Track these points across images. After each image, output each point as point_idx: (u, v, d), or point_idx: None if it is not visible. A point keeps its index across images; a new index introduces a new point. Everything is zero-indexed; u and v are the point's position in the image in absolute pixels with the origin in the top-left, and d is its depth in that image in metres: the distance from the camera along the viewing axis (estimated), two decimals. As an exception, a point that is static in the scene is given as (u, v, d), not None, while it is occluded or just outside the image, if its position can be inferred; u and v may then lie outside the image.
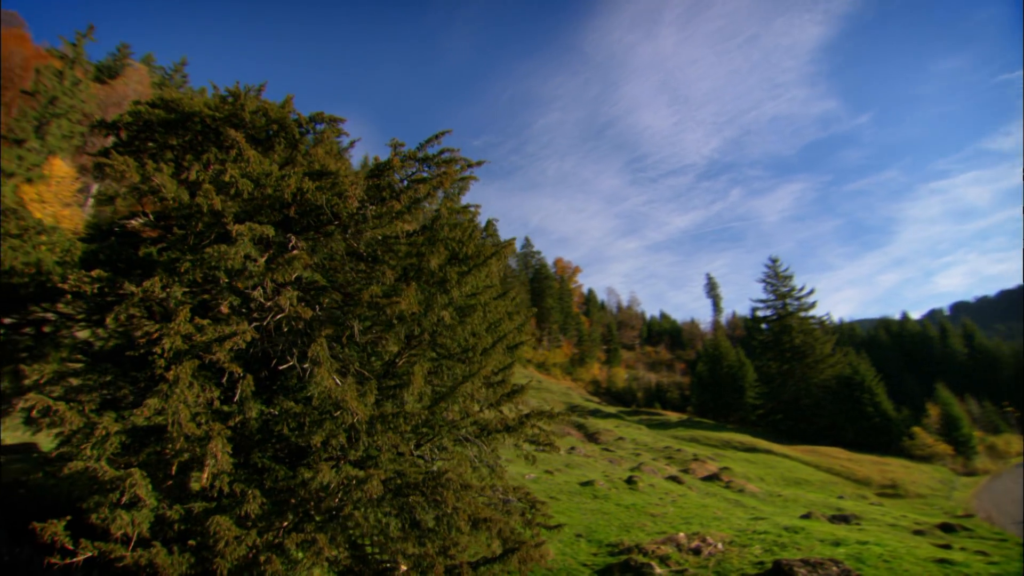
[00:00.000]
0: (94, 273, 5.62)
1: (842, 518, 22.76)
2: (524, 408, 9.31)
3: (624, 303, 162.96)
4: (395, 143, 9.34)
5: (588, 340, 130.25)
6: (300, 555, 4.76)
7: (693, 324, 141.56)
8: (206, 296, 6.30)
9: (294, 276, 6.28)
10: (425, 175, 8.15)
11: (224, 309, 6.38)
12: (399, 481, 5.44)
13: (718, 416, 66.71)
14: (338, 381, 5.86)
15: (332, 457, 6.07)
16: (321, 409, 5.85)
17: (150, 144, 10.50)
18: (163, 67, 46.98)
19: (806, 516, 23.30)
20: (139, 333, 5.44)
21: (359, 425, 5.82)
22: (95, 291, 5.67)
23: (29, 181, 22.90)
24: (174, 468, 4.89)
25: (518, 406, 9.06)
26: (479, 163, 10.84)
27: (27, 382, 5.90)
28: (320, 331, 6.16)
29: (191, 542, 4.85)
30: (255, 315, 6.43)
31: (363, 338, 7.11)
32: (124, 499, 4.84)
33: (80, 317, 8.88)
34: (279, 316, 6.51)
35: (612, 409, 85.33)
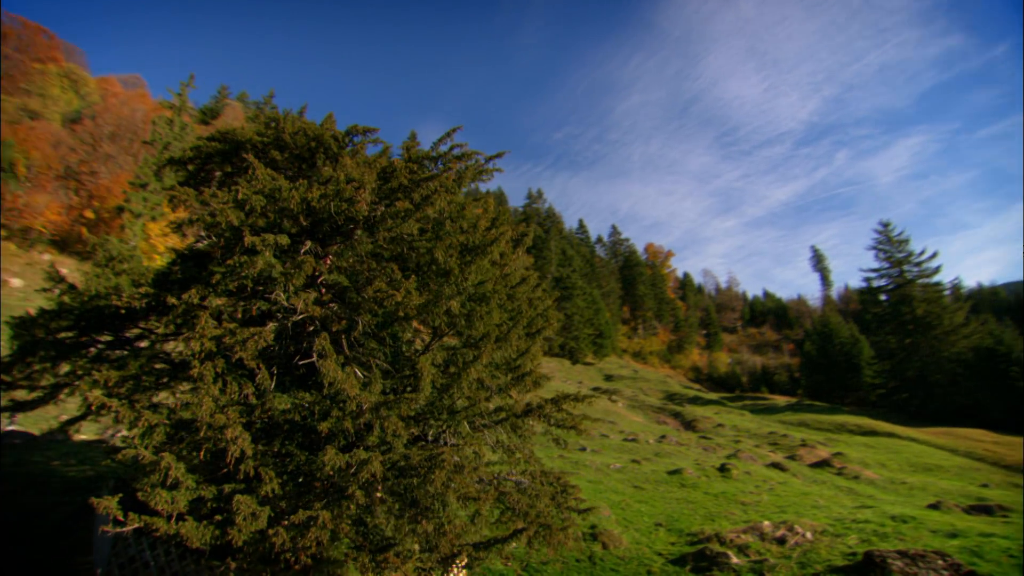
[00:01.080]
0: (141, 290, 6.62)
1: (983, 509, 19.85)
2: (548, 393, 9.32)
3: (722, 284, 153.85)
4: (407, 145, 9.77)
5: (685, 325, 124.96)
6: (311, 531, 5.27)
7: (800, 301, 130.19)
8: (243, 303, 7.11)
9: (304, 279, 6.88)
10: (436, 172, 8.46)
11: (255, 312, 7.15)
12: (403, 464, 5.79)
13: (831, 398, 60.89)
14: (354, 372, 6.34)
15: (348, 443, 6.58)
16: (334, 398, 6.38)
17: (216, 173, 11.85)
18: (256, 101, 52.26)
19: (934, 506, 20.70)
20: (181, 338, 6.32)
21: (369, 413, 6.26)
22: (143, 305, 6.66)
23: (153, 219, 26.82)
24: (202, 453, 5.63)
25: (536, 390, 9.08)
26: (498, 155, 11.01)
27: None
28: (330, 327, 6.70)
29: (218, 517, 5.56)
30: (280, 316, 7.14)
31: (382, 332, 7.60)
32: (169, 480, 5.67)
33: (170, 331, 10.34)
34: (298, 317, 7.18)
35: (713, 396, 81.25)
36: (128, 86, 72.16)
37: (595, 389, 70.97)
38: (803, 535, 14.99)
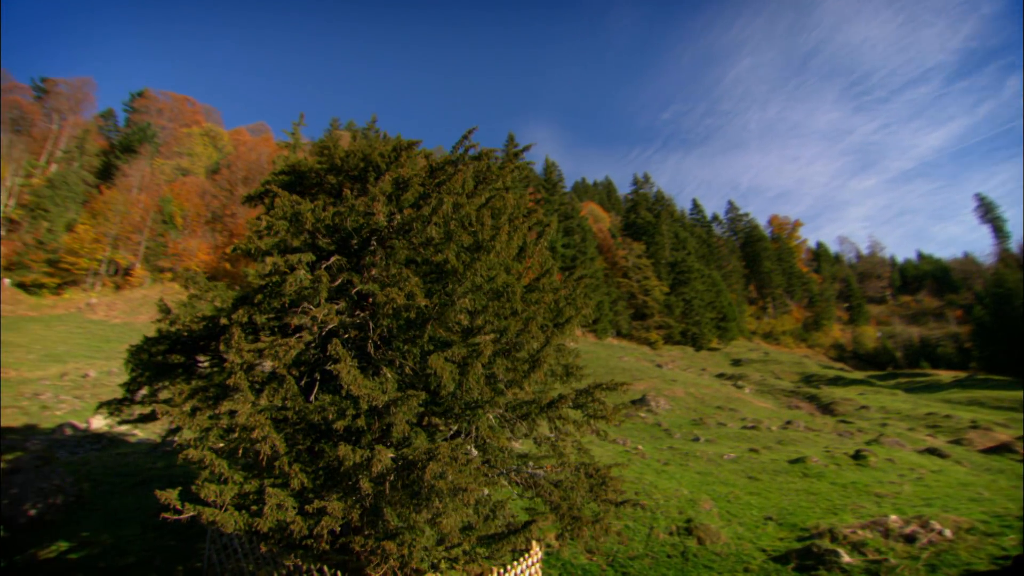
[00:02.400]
0: (199, 314, 7.75)
1: None
2: (580, 384, 9.06)
3: (863, 251, 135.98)
4: (426, 152, 10.14)
5: (821, 300, 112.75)
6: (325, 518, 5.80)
7: (966, 260, 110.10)
8: (282, 318, 7.99)
9: (327, 292, 7.52)
10: (444, 178, 8.71)
11: (292, 325, 7.98)
12: (411, 457, 6.11)
13: (1013, 371, 50.60)
14: (369, 374, 6.83)
15: (372, 440, 7.07)
16: (356, 400, 6.91)
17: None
18: (361, 127, 57.14)
19: None
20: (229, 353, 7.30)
21: (384, 411, 6.68)
22: (201, 328, 7.79)
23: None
24: (240, 452, 6.45)
25: (571, 382, 8.86)
26: (527, 147, 11.03)
27: (165, 395, 8.36)
28: (350, 333, 7.26)
29: (254, 507, 6.32)
30: (311, 327, 7.88)
31: (403, 335, 8.03)
32: (223, 476, 6.59)
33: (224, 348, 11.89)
34: (327, 327, 7.87)
35: (859, 375, 72.23)
36: (255, 133, 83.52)
37: (719, 376, 66.83)
38: (939, 532, 12.84)
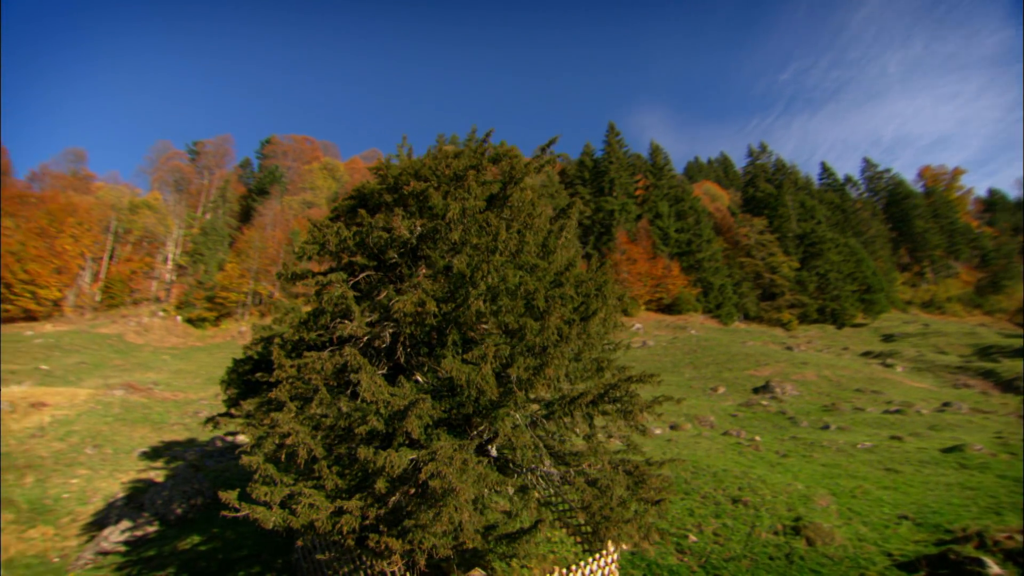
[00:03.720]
0: (257, 335, 8.78)
1: None
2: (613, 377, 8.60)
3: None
4: (447, 162, 10.36)
5: (999, 256, 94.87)
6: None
7: None
8: (326, 333, 8.74)
9: (355, 306, 8.07)
10: (457, 183, 8.88)
11: (335, 339, 8.68)
12: (416, 458, 6.34)
13: None
14: (384, 378, 7.23)
15: (406, 443, 7.42)
16: (376, 404, 7.33)
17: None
18: (464, 139, 60.45)
19: None
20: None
21: (402, 415, 7.01)
22: (261, 350, 8.82)
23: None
24: (283, 456, 7.19)
25: (599, 377, 8.46)
26: (552, 141, 10.92)
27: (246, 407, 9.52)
28: (377, 343, 7.72)
29: (293, 505, 6.99)
30: (352, 339, 8.50)
31: (428, 340, 8.32)
32: (273, 479, 7.39)
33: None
34: (363, 338, 8.43)
35: (1058, 343, 59.07)
36: (368, 160, 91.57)
37: (863, 355, 59.18)
38: None
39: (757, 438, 25.90)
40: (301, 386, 7.93)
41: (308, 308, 9.23)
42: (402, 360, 8.30)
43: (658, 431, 27.33)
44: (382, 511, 6.46)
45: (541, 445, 7.73)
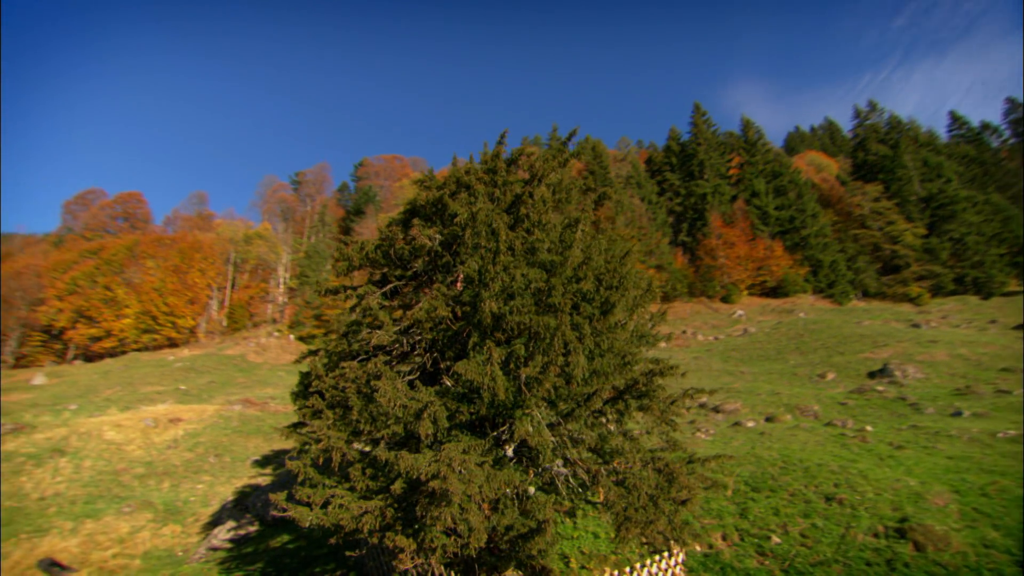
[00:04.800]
0: (304, 349, 9.45)
1: None
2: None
3: None
4: (468, 168, 10.51)
5: None
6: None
7: None
8: (355, 343, 9.30)
9: (383, 315, 8.51)
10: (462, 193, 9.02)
11: (370, 349, 9.18)
12: (432, 459, 6.53)
13: None
14: (402, 383, 7.53)
15: (432, 444, 7.66)
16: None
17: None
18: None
19: None
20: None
21: (417, 418, 7.27)
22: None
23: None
24: (321, 460, 7.72)
25: (626, 372, 8.07)
26: (572, 133, 10.76)
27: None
28: (409, 350, 8.08)
29: (329, 506, 7.46)
30: (387, 348, 8.96)
31: (450, 344, 8.52)
32: (315, 481, 7.98)
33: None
34: (395, 347, 8.84)
35: None
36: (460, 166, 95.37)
37: (1017, 327, 50.84)
38: None
39: (868, 428, 23.21)
40: (339, 395, 8.48)
41: (349, 318, 9.89)
42: (428, 365, 8.59)
43: (751, 423, 25.42)
44: (398, 511, 6.73)
45: (569, 443, 7.58)
